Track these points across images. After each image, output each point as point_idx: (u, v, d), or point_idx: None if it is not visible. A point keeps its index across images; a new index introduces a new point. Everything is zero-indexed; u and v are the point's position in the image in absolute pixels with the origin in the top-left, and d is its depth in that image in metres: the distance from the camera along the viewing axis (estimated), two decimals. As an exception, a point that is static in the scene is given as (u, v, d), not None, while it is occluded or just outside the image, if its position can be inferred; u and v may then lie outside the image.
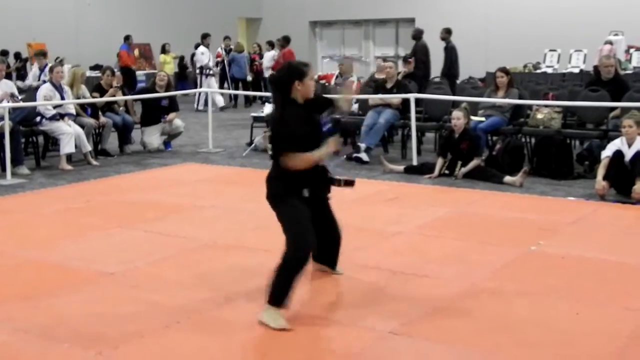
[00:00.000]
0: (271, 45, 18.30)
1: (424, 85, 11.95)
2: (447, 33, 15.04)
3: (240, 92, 17.66)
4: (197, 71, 17.41)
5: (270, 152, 4.44)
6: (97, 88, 10.76)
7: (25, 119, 9.49)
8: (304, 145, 4.20)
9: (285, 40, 16.36)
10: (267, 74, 18.49)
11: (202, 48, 17.21)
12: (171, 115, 10.81)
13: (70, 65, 11.46)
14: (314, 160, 4.27)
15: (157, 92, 10.79)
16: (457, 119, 8.49)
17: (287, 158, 4.20)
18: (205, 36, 17.35)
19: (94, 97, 10.40)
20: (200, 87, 16.72)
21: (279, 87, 4.33)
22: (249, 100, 18.20)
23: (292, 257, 4.16)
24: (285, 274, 4.13)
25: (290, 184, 4.28)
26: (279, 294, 4.12)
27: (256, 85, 18.79)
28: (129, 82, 17.89)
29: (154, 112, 10.82)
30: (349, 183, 4.60)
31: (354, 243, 4.60)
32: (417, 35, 14.45)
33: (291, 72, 4.32)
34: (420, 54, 13.76)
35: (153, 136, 10.72)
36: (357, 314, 4.31)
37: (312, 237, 4.23)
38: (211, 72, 17.17)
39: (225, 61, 18.27)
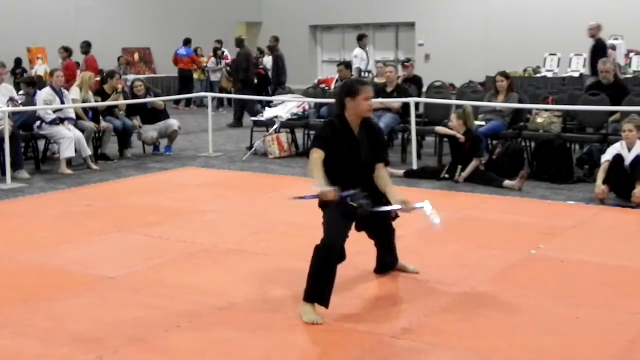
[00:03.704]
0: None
1: (247, 88, 14.56)
2: (275, 41, 16.11)
3: (250, 97, 17.50)
4: (354, 74, 16.91)
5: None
6: (99, 92, 10.76)
7: (25, 123, 9.50)
8: (334, 156, 4.41)
9: (88, 46, 15.34)
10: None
11: (357, 50, 15.77)
12: (159, 103, 11.11)
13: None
14: (314, 176, 4.37)
15: (137, 97, 11.00)
16: (451, 121, 8.76)
17: (311, 152, 4.44)
18: (361, 37, 15.95)
19: (95, 101, 10.41)
20: None
21: (335, 101, 4.64)
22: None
23: (318, 249, 4.30)
24: (312, 268, 4.29)
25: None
26: (308, 288, 4.28)
27: (259, 89, 18.77)
28: (187, 87, 17.91)
29: (146, 115, 11.00)
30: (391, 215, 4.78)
31: (354, 247, 4.61)
32: (239, 43, 15.55)
33: (344, 88, 4.55)
34: (241, 61, 15.04)
35: (149, 130, 10.85)
36: (358, 317, 4.32)
37: (338, 238, 4.34)
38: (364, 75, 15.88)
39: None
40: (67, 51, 14.91)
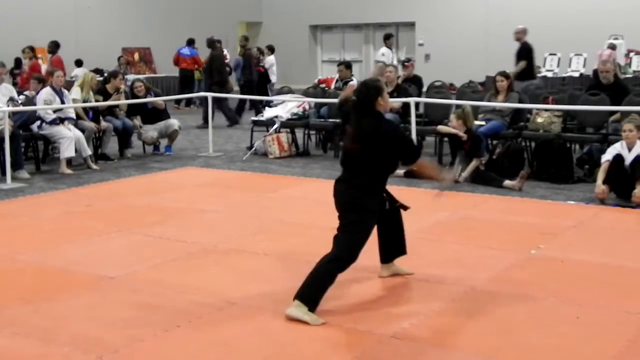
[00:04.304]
0: (271, 49, 18.30)
1: (223, 90, 14.22)
2: (245, 40, 16.12)
3: (249, 97, 17.45)
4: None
5: (346, 161, 4.62)
6: (101, 92, 10.74)
7: (26, 123, 9.50)
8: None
9: (56, 46, 15.12)
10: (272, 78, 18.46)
11: (384, 49, 15.27)
12: (160, 102, 11.12)
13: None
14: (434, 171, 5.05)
15: (136, 97, 10.98)
16: (450, 121, 8.86)
17: (420, 163, 4.81)
18: (388, 37, 15.57)
19: (96, 101, 10.40)
20: None
21: (363, 105, 4.43)
22: (254, 105, 18.14)
23: (340, 261, 4.34)
24: (326, 275, 4.30)
25: (372, 197, 4.50)
26: (314, 293, 4.27)
27: (259, 89, 18.76)
28: (188, 87, 17.89)
29: (147, 115, 11.00)
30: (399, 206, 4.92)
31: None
32: (211, 44, 15.46)
33: (373, 89, 4.45)
34: (216, 62, 14.95)
35: (149, 130, 10.86)
36: (358, 317, 4.32)
37: (357, 257, 4.43)
38: None
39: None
40: (32, 51, 14.83)
